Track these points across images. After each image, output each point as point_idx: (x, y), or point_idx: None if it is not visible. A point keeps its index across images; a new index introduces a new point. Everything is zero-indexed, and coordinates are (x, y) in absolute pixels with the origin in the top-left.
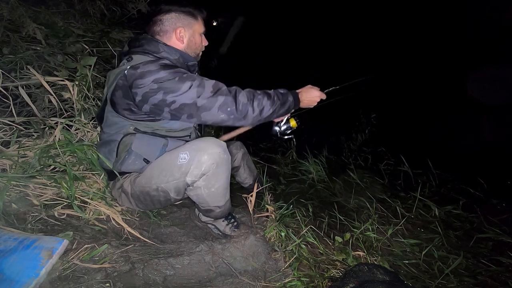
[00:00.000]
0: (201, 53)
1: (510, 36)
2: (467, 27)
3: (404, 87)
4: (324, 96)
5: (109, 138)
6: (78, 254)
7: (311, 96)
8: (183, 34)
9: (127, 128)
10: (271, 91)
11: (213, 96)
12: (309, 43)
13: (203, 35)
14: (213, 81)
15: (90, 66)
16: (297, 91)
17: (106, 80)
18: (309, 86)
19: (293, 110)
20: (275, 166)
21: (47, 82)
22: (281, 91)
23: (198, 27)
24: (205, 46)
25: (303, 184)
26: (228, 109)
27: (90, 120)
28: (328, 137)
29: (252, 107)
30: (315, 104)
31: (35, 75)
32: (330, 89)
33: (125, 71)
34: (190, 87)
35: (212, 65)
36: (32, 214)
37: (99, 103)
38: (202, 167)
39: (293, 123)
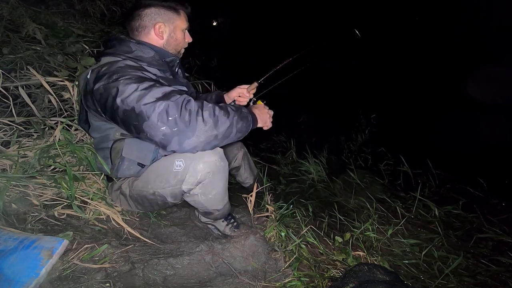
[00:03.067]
0: (183, 50)
1: (510, 36)
2: (467, 27)
3: (404, 87)
4: (268, 124)
5: (100, 146)
6: (78, 254)
7: (262, 112)
8: (163, 29)
9: (113, 133)
10: (222, 104)
11: (154, 102)
12: (308, 41)
13: (186, 31)
14: (168, 89)
15: (90, 66)
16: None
17: (78, 85)
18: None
19: (252, 127)
20: (275, 166)
21: (47, 82)
22: (233, 104)
23: (180, 23)
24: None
25: (303, 184)
26: (170, 118)
27: None
28: (328, 137)
29: (202, 117)
30: (268, 122)
31: (35, 75)
32: (263, 78)
33: (88, 75)
34: (134, 91)
35: (212, 65)
36: (32, 214)
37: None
38: (197, 176)
39: (260, 104)
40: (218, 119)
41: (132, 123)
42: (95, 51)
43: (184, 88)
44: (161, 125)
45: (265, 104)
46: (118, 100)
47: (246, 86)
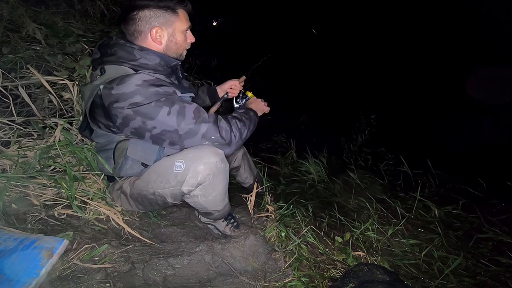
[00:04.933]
0: (185, 52)
1: (510, 36)
2: (467, 27)
3: (404, 87)
4: (267, 109)
5: (103, 148)
6: (78, 254)
7: (257, 103)
8: (160, 34)
9: (118, 137)
10: (235, 114)
11: (196, 123)
12: (307, 40)
13: (188, 31)
14: (193, 106)
15: (89, 66)
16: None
17: (82, 95)
18: (253, 98)
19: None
20: (275, 167)
21: (47, 82)
22: (241, 111)
23: (180, 24)
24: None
25: (303, 184)
26: (213, 137)
27: None
28: (328, 137)
29: (233, 133)
30: (264, 107)
31: (35, 74)
32: (249, 71)
33: (100, 89)
34: (168, 114)
35: (212, 65)
36: (32, 214)
37: None
38: (198, 177)
39: (250, 94)
40: (242, 131)
41: (170, 140)
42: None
43: (192, 94)
44: (204, 141)
45: (253, 94)
46: (152, 122)
47: (236, 79)
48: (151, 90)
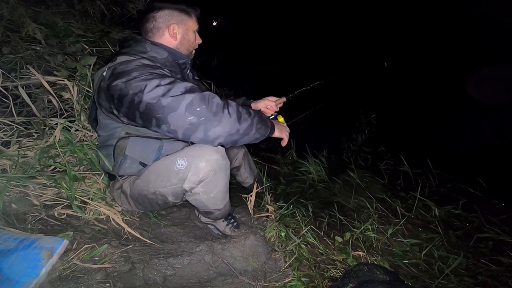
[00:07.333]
0: (194, 51)
1: (510, 36)
2: (467, 27)
3: (404, 87)
4: (286, 137)
5: (105, 143)
6: (78, 254)
7: (281, 125)
8: (176, 30)
9: (119, 132)
10: (244, 106)
11: (181, 94)
12: (307, 41)
13: (197, 32)
14: (189, 84)
15: (90, 66)
16: None
17: (92, 82)
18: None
19: (269, 134)
20: (275, 166)
21: (47, 82)
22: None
23: (192, 24)
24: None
25: (303, 184)
26: (198, 108)
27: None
28: (328, 137)
29: (228, 110)
30: (285, 136)
31: (35, 75)
32: (293, 94)
33: (104, 73)
34: (156, 86)
35: (212, 65)
36: (32, 214)
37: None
38: (199, 174)
39: (281, 119)
40: (241, 115)
41: (155, 116)
42: (95, 51)
43: None
44: (189, 115)
45: (285, 120)
46: (141, 95)
47: (274, 98)
48: (148, 69)
